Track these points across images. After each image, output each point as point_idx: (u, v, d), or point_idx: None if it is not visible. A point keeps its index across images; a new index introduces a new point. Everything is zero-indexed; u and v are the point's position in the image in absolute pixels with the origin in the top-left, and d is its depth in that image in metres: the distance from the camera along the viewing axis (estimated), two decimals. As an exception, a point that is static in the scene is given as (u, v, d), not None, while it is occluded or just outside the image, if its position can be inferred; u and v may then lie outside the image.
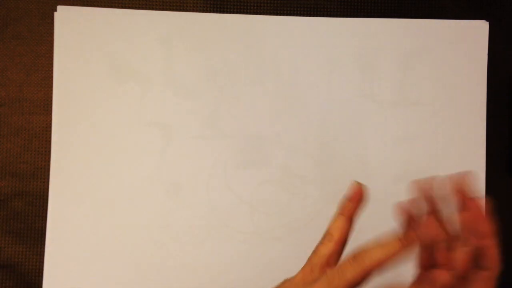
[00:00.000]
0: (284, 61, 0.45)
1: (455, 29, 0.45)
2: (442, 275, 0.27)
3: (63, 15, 0.44)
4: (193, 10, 0.45)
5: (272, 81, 0.45)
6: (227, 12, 0.45)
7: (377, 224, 0.45)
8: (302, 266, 0.29)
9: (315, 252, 0.29)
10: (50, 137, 0.44)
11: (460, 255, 0.27)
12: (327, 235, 0.30)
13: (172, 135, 0.44)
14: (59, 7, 0.44)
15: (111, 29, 0.45)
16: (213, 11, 0.45)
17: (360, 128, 0.45)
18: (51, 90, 0.44)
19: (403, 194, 0.45)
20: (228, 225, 0.44)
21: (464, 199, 0.27)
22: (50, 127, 0.44)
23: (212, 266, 0.44)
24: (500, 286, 0.45)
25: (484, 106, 0.45)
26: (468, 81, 0.45)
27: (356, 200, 0.30)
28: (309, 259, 0.29)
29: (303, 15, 0.46)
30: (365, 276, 0.27)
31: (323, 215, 0.44)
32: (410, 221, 0.30)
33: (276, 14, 0.46)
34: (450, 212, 0.28)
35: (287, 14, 0.46)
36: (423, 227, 0.28)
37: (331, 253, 0.29)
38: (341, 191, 0.45)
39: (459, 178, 0.27)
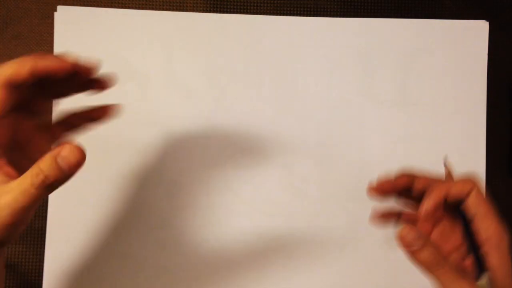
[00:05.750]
0: (284, 61, 0.45)
1: (455, 29, 0.45)
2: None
3: (63, 15, 0.44)
4: (193, 10, 0.45)
5: (272, 81, 0.45)
6: (227, 12, 0.45)
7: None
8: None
9: None
10: (50, 137, 0.44)
11: None
12: None
13: (172, 134, 0.44)
14: (59, 7, 0.44)
15: (111, 29, 0.45)
16: (213, 11, 0.45)
17: (360, 128, 0.45)
18: (51, 90, 0.44)
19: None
20: (228, 225, 0.44)
21: None
22: (50, 127, 0.44)
23: (212, 266, 0.44)
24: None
25: (484, 106, 0.45)
26: (468, 81, 0.45)
27: None
28: None
29: (303, 15, 0.46)
30: None
31: (323, 215, 0.44)
32: None
33: (276, 14, 0.46)
34: None
35: (287, 14, 0.46)
36: None
37: None
38: (341, 191, 0.46)
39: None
